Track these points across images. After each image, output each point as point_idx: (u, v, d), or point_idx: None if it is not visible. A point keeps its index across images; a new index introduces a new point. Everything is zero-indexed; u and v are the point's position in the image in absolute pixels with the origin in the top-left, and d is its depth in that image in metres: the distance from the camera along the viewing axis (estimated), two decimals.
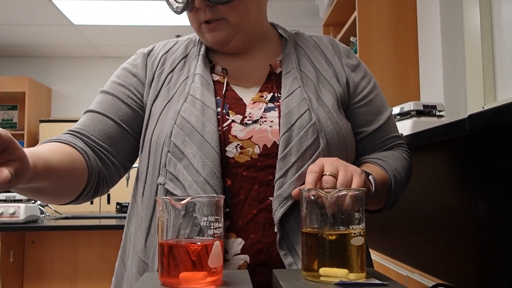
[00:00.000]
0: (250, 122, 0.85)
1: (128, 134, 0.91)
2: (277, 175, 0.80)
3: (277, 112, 0.87)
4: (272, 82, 0.93)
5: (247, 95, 0.91)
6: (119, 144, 0.90)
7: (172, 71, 0.94)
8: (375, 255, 1.69)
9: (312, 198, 0.62)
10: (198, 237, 0.58)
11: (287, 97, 0.88)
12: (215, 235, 0.58)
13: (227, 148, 0.83)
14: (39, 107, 5.07)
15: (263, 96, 0.90)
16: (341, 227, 0.60)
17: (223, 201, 0.61)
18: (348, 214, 0.60)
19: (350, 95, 0.95)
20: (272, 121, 0.86)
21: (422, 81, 2.59)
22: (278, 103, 0.88)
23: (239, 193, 0.79)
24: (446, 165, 1.13)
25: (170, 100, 0.90)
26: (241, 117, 0.86)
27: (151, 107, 0.91)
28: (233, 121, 0.86)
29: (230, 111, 0.87)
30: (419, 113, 1.55)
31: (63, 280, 2.52)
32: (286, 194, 0.78)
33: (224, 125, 0.85)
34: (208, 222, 0.58)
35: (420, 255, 1.33)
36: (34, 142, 4.70)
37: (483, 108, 1.41)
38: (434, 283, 0.79)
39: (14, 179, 0.57)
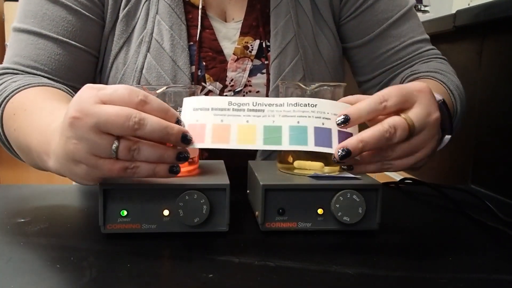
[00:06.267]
0: (232, 93, 0.74)
1: (95, 57, 0.76)
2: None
3: (265, 76, 0.74)
4: (255, 14, 0.75)
5: (227, 38, 0.75)
6: (89, 75, 0.77)
7: None
8: None
9: (291, 91, 0.60)
10: None
11: (279, 54, 0.73)
12: None
13: None
14: None
15: (247, 48, 0.75)
16: None
17: (199, 91, 0.59)
18: None
19: (342, 10, 0.78)
20: (258, 91, 0.74)
21: None
22: (267, 62, 0.75)
23: None
24: None
25: (128, 38, 0.73)
26: (221, 86, 0.74)
27: (107, 39, 0.74)
28: (210, 91, 0.74)
29: (206, 74, 0.73)
30: None
31: None
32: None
33: None
34: None
35: None
36: None
37: (468, 5, 1.38)
38: (402, 177, 0.82)
39: None
